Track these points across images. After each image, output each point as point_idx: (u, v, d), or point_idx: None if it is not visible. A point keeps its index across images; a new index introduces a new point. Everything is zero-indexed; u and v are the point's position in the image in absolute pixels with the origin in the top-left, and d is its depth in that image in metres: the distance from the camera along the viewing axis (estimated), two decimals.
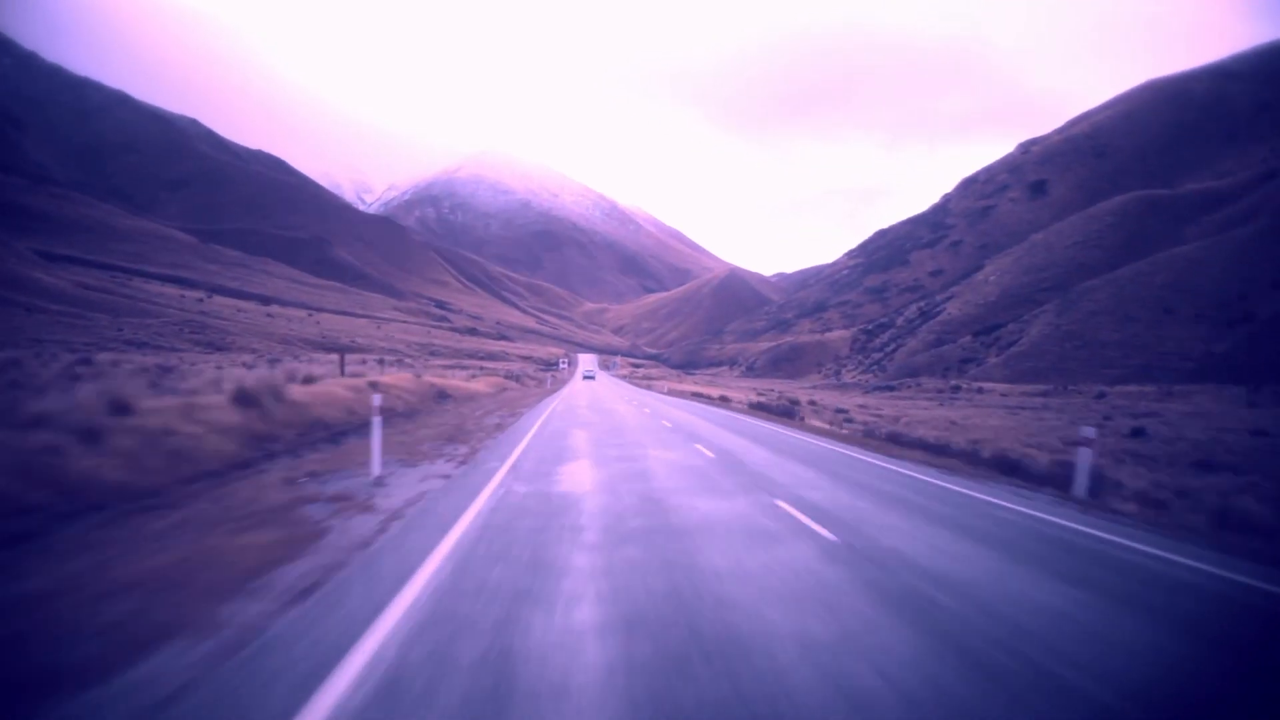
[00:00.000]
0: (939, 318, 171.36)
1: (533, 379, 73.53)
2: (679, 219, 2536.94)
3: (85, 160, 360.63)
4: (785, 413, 41.63)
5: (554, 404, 37.77)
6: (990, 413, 72.19)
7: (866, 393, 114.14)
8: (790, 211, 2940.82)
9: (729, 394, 67.51)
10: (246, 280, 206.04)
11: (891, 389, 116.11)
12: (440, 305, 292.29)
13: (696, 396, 61.84)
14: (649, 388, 77.80)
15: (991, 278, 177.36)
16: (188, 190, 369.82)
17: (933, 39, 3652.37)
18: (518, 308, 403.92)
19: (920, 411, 65.83)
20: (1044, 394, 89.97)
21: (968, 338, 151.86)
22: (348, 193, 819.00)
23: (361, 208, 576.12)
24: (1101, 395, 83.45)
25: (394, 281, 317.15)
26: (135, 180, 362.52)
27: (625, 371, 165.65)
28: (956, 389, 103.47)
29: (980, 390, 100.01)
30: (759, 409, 43.93)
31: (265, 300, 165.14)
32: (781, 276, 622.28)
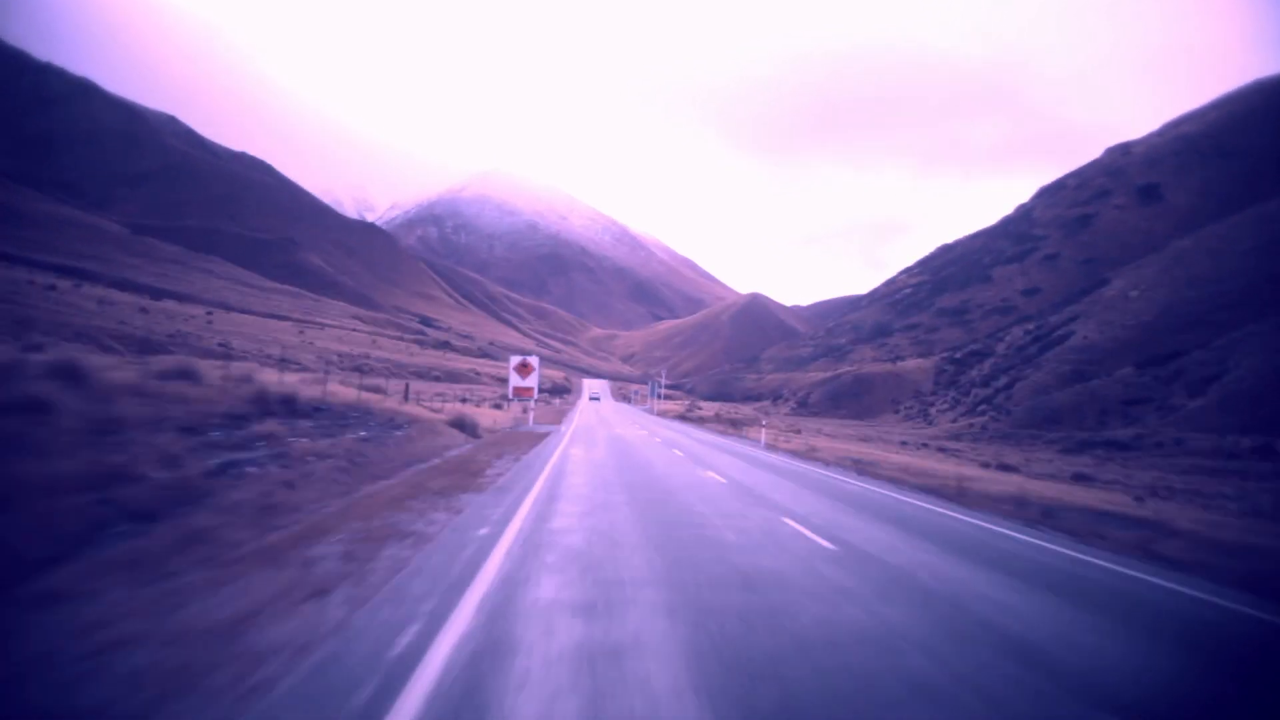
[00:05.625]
0: (1067, 343, 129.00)
1: None
2: (691, 247, 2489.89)
3: (38, 150, 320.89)
4: None
5: None
6: None
7: (1101, 460, 70.95)
8: (806, 243, 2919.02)
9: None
10: (172, 277, 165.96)
11: (1169, 447, 71.83)
12: (425, 321, 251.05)
13: None
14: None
15: (1133, 293, 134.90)
16: (150, 186, 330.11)
17: (967, 63, 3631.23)
18: (518, 329, 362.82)
19: None
20: None
21: (1128, 369, 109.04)
22: (349, 209, 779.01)
23: None
24: None
25: (372, 292, 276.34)
26: (91, 172, 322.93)
27: (674, 405, 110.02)
28: None
29: None
30: None
31: (158, 295, 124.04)
32: (797, 309, 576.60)
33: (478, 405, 52.40)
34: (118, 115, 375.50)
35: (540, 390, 58.92)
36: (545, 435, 33.94)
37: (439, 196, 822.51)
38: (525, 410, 49.77)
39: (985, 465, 40.27)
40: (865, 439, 68.57)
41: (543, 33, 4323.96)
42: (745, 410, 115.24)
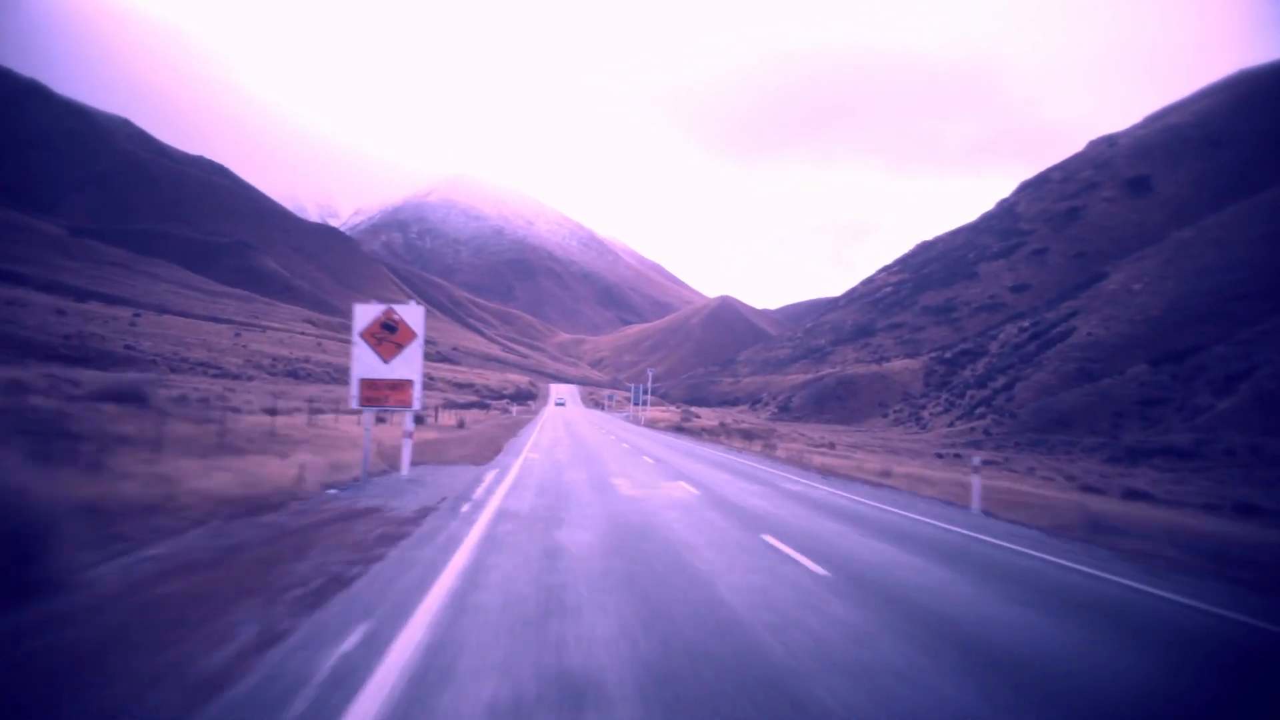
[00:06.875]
0: (1069, 340, 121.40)
1: None
2: (659, 251, 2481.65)
3: None
4: None
5: None
6: None
7: (1171, 473, 62.43)
8: (775, 246, 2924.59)
9: None
10: (110, 280, 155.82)
11: (1243, 455, 63.46)
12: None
13: None
14: None
15: (1136, 286, 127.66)
16: (100, 189, 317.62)
17: (937, 61, 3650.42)
18: (483, 335, 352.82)
19: None
20: None
21: (1141, 367, 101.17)
22: (312, 214, 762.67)
23: None
24: None
25: (331, 297, 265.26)
26: (38, 175, 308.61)
27: (663, 413, 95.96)
28: None
29: None
30: None
31: (84, 297, 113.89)
32: (767, 312, 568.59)
33: (387, 420, 38.16)
34: (68, 118, 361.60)
35: (500, 396, 41.87)
36: (379, 555, 8.12)
37: (404, 201, 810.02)
38: (410, 431, 18.53)
39: (1094, 490, 31.14)
40: (893, 451, 59.64)
41: (509, 37, 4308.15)
42: (742, 416, 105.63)
